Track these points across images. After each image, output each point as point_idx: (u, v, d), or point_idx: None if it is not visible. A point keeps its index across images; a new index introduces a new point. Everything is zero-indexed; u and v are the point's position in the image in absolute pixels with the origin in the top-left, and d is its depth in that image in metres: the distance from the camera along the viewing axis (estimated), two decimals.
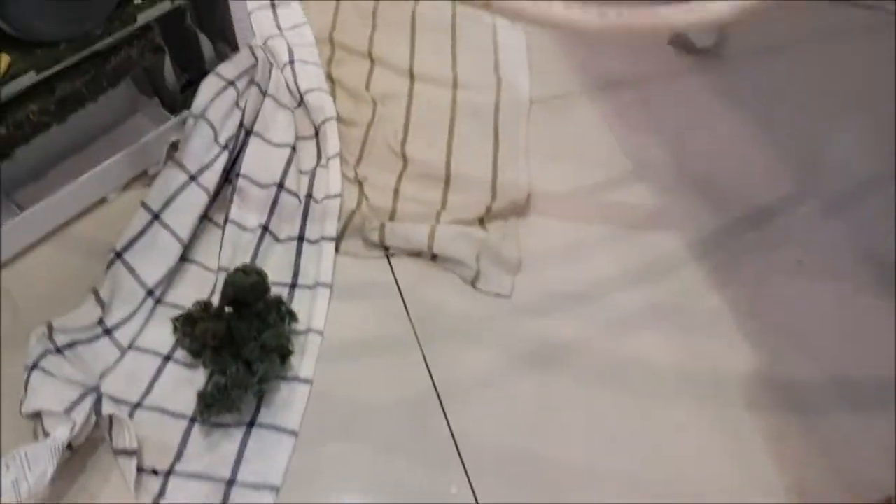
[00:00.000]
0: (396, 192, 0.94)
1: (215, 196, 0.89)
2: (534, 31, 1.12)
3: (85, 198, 0.89)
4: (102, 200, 0.91)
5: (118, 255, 0.81)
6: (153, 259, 0.82)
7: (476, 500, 0.71)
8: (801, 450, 0.75)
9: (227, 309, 0.76)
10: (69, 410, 0.69)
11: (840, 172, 0.96)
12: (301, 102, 1.00)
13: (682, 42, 1.09)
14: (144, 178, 0.93)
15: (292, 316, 0.79)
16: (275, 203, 0.90)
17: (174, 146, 0.90)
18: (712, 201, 0.93)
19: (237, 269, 0.76)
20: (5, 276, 0.85)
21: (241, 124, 0.92)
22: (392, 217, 0.91)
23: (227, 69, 0.93)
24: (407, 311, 0.84)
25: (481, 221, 0.91)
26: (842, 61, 1.08)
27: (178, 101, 0.96)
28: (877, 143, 0.98)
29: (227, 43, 0.97)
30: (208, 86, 0.90)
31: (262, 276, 0.76)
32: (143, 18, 0.83)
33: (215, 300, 0.79)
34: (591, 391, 0.78)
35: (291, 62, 1.03)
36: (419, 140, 1.00)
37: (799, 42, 1.09)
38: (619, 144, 0.99)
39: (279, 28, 1.10)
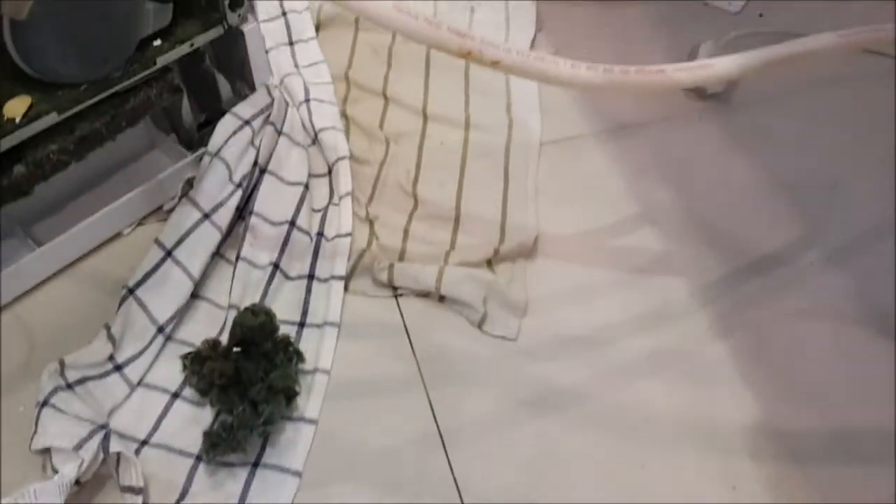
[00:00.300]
0: (406, 232, 0.96)
1: (228, 233, 0.91)
2: None
3: (101, 233, 0.91)
4: (117, 235, 0.93)
5: (131, 292, 0.83)
6: (165, 296, 0.83)
7: None
8: (801, 501, 0.75)
9: (236, 348, 0.77)
10: (78, 447, 0.70)
11: (846, 221, 0.96)
12: (315, 140, 1.02)
13: (692, 87, 1.10)
14: (159, 213, 0.95)
15: (300, 356, 0.80)
16: (286, 241, 0.92)
17: (189, 183, 0.92)
18: (718, 247, 0.93)
19: (246, 309, 0.78)
20: (22, 309, 0.87)
21: (255, 163, 0.94)
22: (401, 257, 0.92)
23: (244, 109, 0.95)
24: (413, 351, 0.85)
25: (489, 263, 0.93)
26: (852, 108, 1.09)
27: (195, 138, 0.98)
28: (883, 192, 0.98)
29: (244, 82, 0.99)
30: (224, 125, 0.92)
31: (270, 316, 0.78)
32: (162, 61, 0.85)
33: (224, 338, 0.80)
34: (592, 438, 0.79)
35: (307, 100, 1.05)
36: (430, 180, 1.01)
37: (810, 88, 1.10)
38: (628, 188, 1.00)
39: (296, 66, 1.12)
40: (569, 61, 0.66)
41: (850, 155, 1.03)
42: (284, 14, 1.19)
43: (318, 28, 1.20)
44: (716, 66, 0.71)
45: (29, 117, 0.77)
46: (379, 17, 0.60)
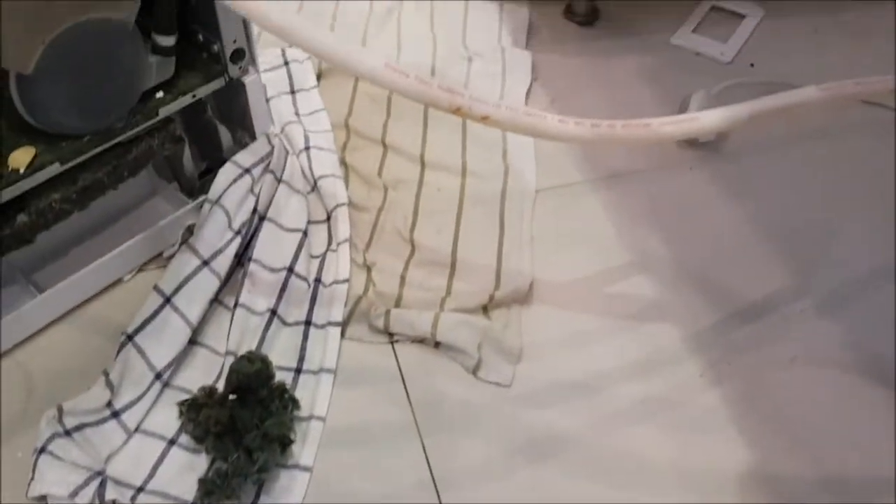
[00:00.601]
0: (403, 278, 0.97)
1: (227, 279, 0.92)
2: None
3: (102, 279, 0.93)
4: (118, 281, 0.95)
5: (129, 338, 0.84)
6: (163, 342, 0.84)
7: None
8: None
9: (232, 396, 0.78)
10: (73, 495, 0.71)
11: (836, 269, 0.97)
12: (315, 187, 1.04)
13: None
14: (160, 259, 0.97)
15: (295, 403, 0.81)
16: (284, 287, 0.93)
17: (189, 230, 0.94)
18: (709, 295, 0.94)
19: (242, 357, 0.79)
20: (22, 355, 0.88)
21: (254, 210, 0.95)
22: (398, 303, 0.93)
23: (244, 157, 0.97)
24: (409, 398, 0.86)
25: (485, 309, 0.94)
26: (843, 157, 1.10)
27: (196, 186, 1.00)
28: (875, 240, 1.00)
29: (245, 131, 1.01)
30: (225, 173, 0.94)
31: (266, 363, 0.79)
32: (164, 112, 0.87)
33: (221, 385, 0.81)
34: (586, 485, 0.79)
35: (307, 148, 1.07)
36: (428, 226, 1.03)
37: (801, 137, 1.12)
38: (621, 235, 1.01)
39: (297, 114, 1.15)
40: (557, 116, 0.68)
41: (842, 203, 1.05)
42: (287, 63, 1.22)
43: (319, 77, 1.23)
44: (702, 120, 0.73)
45: (33, 167, 0.79)
46: (372, 76, 0.62)
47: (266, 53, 1.22)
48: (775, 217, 1.03)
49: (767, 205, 1.04)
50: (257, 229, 0.95)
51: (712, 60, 1.26)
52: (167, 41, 0.85)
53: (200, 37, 0.89)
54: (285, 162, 1.01)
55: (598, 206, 1.05)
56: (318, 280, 0.94)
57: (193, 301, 0.87)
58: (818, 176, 1.08)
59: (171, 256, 0.93)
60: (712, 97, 1.13)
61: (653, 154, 1.11)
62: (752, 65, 1.25)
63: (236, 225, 0.93)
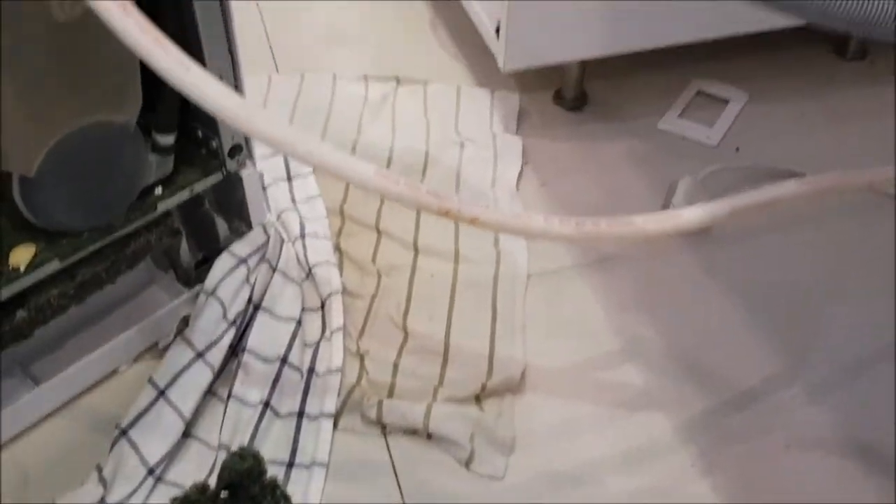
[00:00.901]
0: (396, 366, 0.98)
1: (221, 370, 0.93)
2: (533, 210, 1.18)
3: (98, 371, 0.94)
4: (113, 372, 0.96)
5: (123, 433, 0.85)
6: (156, 436, 0.85)
7: None
8: None
9: (224, 492, 0.78)
10: None
11: (828, 354, 0.98)
12: (309, 274, 1.05)
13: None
14: (155, 349, 0.98)
15: (287, 500, 0.81)
16: (277, 378, 0.94)
17: (185, 321, 0.95)
18: (700, 383, 0.95)
19: (234, 454, 0.79)
20: (16, 448, 0.88)
21: (249, 299, 0.97)
22: (391, 393, 0.94)
23: (240, 247, 0.99)
24: (401, 492, 0.86)
25: (477, 398, 0.94)
26: (834, 241, 1.12)
27: (193, 275, 1.01)
28: (865, 324, 1.01)
29: (242, 220, 1.03)
30: (221, 264, 0.96)
31: (258, 460, 0.79)
32: (163, 206, 0.90)
33: (213, 480, 0.81)
34: None
35: (303, 236, 1.09)
36: (420, 313, 1.04)
37: (793, 221, 1.14)
38: (611, 321, 1.03)
39: (294, 200, 1.17)
40: (542, 216, 0.70)
41: (833, 287, 1.06)
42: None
43: None
44: (684, 217, 0.75)
45: (33, 265, 0.80)
46: (364, 184, 0.64)
47: (261, 144, 1.25)
48: (766, 301, 1.04)
49: (758, 289, 1.06)
50: (252, 319, 0.97)
51: (699, 144, 1.29)
52: (167, 140, 0.88)
53: (199, 133, 0.92)
54: (281, 250, 1.03)
55: (589, 291, 1.06)
56: (311, 370, 0.95)
57: (187, 394, 0.88)
58: (809, 260, 1.10)
59: (167, 347, 0.94)
60: (698, 183, 1.16)
61: None
62: (737, 149, 1.28)
63: (231, 315, 0.94)
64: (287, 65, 1.47)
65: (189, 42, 0.83)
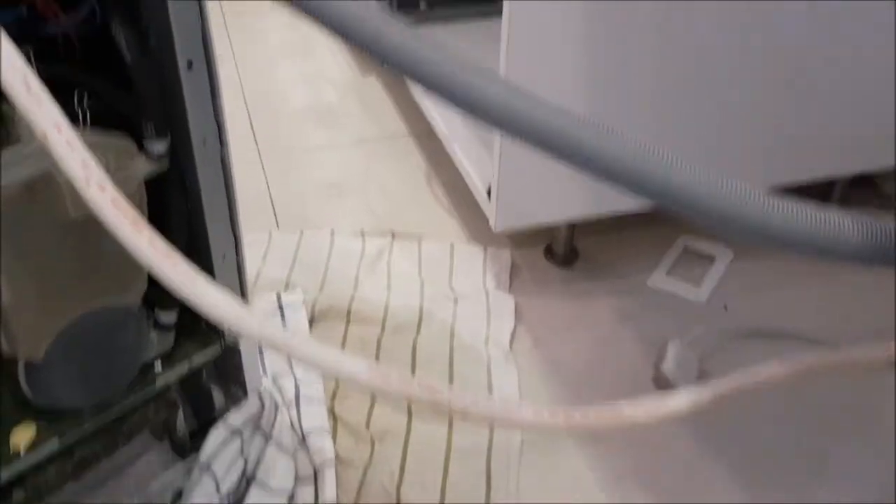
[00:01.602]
0: None
1: None
2: (527, 371, 1.20)
3: None
4: None
5: None
6: None
7: None
8: None
9: None
10: None
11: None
12: (303, 440, 1.06)
13: (663, 382, 1.16)
14: None
15: None
16: None
17: (178, 494, 0.95)
18: None
19: None
20: None
21: (243, 472, 0.97)
22: None
23: (235, 417, 1.00)
24: None
25: None
26: (831, 393, 1.13)
27: (188, 445, 1.02)
28: (866, 472, 1.01)
29: (238, 387, 1.05)
30: (216, 436, 0.97)
31: None
32: (162, 381, 0.91)
33: None
34: None
35: (297, 399, 1.10)
36: (414, 483, 1.04)
37: (789, 388, 1.16)
38: (604, 491, 1.03)
39: (290, 363, 1.19)
40: (532, 407, 0.71)
41: (824, 446, 1.07)
42: (281, 308, 1.28)
43: (311, 321, 1.29)
44: (669, 405, 0.76)
45: (32, 447, 0.81)
46: (357, 380, 0.66)
47: (261, 299, 1.29)
48: (756, 466, 1.05)
49: (747, 451, 1.07)
50: (245, 494, 0.97)
51: (687, 302, 1.32)
52: (169, 318, 0.90)
53: None
54: (275, 418, 1.04)
55: (582, 461, 1.07)
56: None
57: None
58: (805, 411, 1.11)
59: None
60: (687, 345, 1.18)
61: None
62: (725, 306, 1.31)
63: (224, 490, 0.94)
64: (287, 215, 1.53)
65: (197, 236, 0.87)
